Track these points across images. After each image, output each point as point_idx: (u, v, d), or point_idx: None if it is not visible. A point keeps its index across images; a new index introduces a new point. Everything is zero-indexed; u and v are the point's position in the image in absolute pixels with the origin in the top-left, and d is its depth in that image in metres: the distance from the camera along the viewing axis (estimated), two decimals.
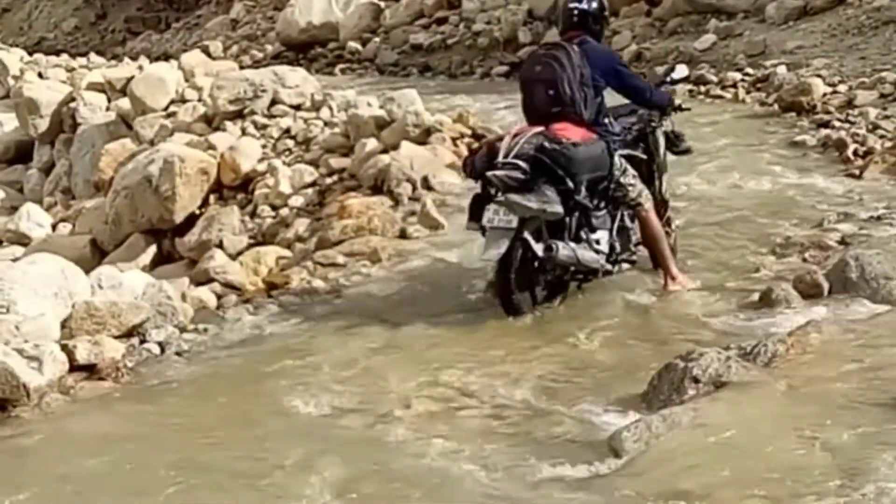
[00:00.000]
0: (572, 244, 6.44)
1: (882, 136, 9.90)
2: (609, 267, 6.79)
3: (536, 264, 6.43)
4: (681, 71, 7.67)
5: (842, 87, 11.97)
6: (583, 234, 6.57)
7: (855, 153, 9.67)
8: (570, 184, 6.31)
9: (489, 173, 6.36)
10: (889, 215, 7.61)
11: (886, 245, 6.78)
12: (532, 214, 6.28)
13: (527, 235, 6.30)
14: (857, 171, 9.19)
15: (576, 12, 6.81)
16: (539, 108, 6.64)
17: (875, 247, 6.67)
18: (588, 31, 6.78)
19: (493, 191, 6.44)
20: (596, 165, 6.53)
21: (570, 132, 6.44)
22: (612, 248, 6.78)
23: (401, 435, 5.00)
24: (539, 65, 6.69)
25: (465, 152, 10.46)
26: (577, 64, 6.55)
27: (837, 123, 10.74)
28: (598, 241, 6.64)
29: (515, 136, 6.47)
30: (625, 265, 6.98)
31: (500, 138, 6.60)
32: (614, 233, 6.80)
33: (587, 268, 6.62)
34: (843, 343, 5.09)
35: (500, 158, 6.37)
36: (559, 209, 6.31)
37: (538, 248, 6.30)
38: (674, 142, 7.25)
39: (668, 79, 7.50)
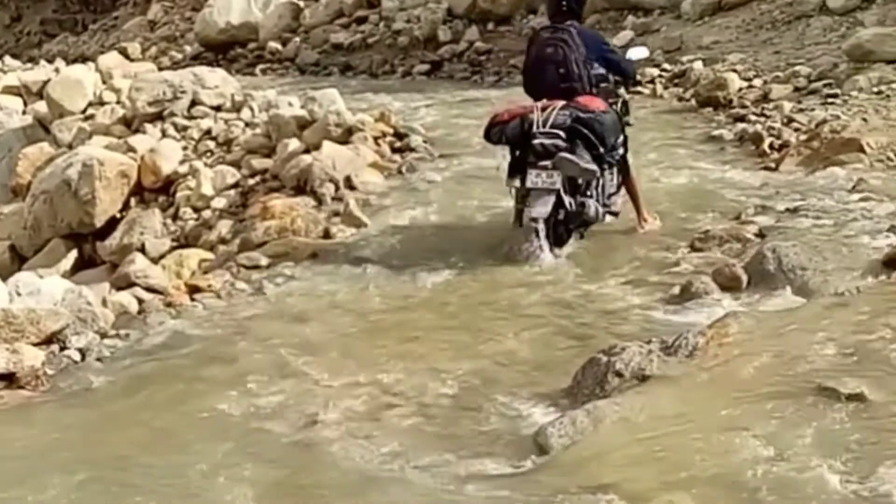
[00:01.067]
0: (593, 200, 7.50)
1: (797, 129, 10.07)
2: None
3: (562, 217, 7.37)
4: (639, 52, 8.70)
5: (757, 82, 12.17)
6: (589, 192, 7.51)
7: (771, 146, 9.83)
8: (601, 148, 7.34)
9: (535, 141, 7.30)
10: (805, 207, 7.73)
11: (803, 237, 6.90)
12: (578, 174, 7.26)
13: (562, 193, 7.29)
14: (773, 164, 9.35)
15: (564, 2, 7.77)
16: (550, 85, 7.58)
17: (792, 238, 6.79)
18: (574, 16, 7.82)
19: (515, 153, 7.50)
20: (617, 131, 7.63)
21: (596, 103, 7.47)
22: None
23: (327, 437, 4.97)
24: (549, 47, 7.64)
25: (387, 151, 10.55)
26: (578, 44, 7.58)
27: (753, 117, 10.92)
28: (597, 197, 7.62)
29: (543, 109, 7.41)
30: (609, 217, 7.83)
31: (528, 110, 7.48)
32: (601, 187, 7.71)
33: (597, 219, 7.64)
34: (762, 334, 5.16)
35: (538, 128, 7.32)
36: (596, 168, 7.32)
37: (569, 204, 7.34)
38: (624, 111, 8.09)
39: (626, 58, 8.42)
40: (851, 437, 4.06)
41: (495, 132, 7.60)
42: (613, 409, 4.63)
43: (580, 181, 7.42)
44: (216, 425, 5.24)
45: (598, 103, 7.47)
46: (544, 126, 7.32)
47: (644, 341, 5.25)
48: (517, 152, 7.51)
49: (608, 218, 7.78)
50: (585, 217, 7.51)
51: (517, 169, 7.50)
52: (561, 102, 7.43)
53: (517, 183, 7.48)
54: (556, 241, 7.38)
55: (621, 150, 7.73)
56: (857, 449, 3.97)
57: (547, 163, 7.26)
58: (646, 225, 7.83)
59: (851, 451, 3.96)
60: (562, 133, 7.28)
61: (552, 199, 7.25)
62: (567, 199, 7.33)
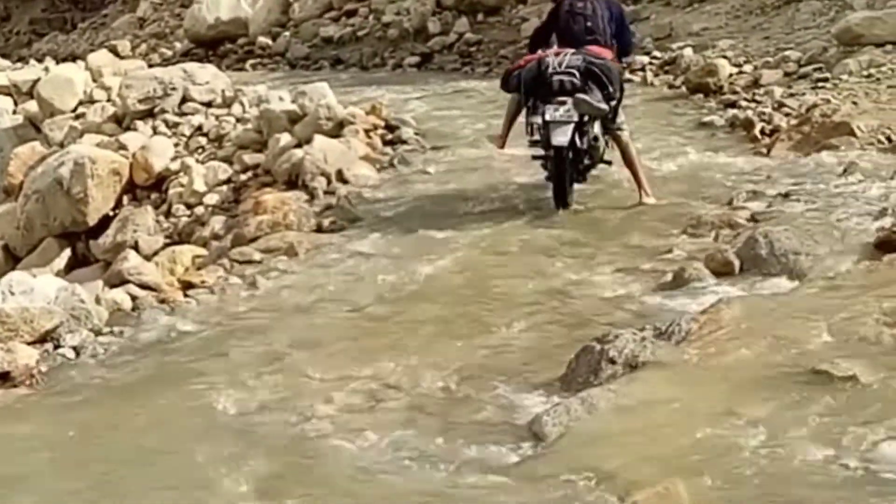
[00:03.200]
0: (600, 134, 8.22)
1: (787, 114, 10.09)
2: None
3: (571, 156, 8.03)
4: None
5: (747, 67, 12.18)
6: (595, 131, 8.13)
7: (762, 132, 9.86)
8: (611, 89, 7.99)
9: (554, 78, 7.90)
10: (796, 191, 7.75)
11: (794, 221, 6.91)
12: (591, 111, 7.90)
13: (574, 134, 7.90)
14: (764, 150, 9.37)
15: None
16: (577, 35, 8.32)
17: (783, 223, 6.80)
18: None
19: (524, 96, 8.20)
20: (619, 81, 8.25)
21: (604, 53, 8.21)
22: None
23: (323, 430, 4.97)
24: (581, 2, 8.42)
25: (379, 144, 10.54)
26: (605, 8, 8.42)
27: (744, 103, 10.93)
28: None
29: (556, 54, 8.08)
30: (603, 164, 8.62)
31: (543, 55, 8.14)
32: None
33: (602, 155, 8.44)
34: (754, 319, 5.17)
35: (554, 69, 7.95)
36: (606, 107, 7.98)
37: (581, 142, 7.98)
38: None
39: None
40: (845, 419, 4.08)
41: (513, 77, 8.27)
42: (608, 396, 4.64)
43: (585, 123, 7.95)
44: (212, 420, 5.24)
45: (606, 53, 8.20)
46: (559, 67, 7.93)
47: (637, 328, 5.26)
48: (531, 99, 8.11)
49: (600, 166, 8.56)
50: (594, 153, 8.22)
51: (534, 110, 8.07)
52: (571, 50, 8.09)
53: (538, 119, 7.97)
54: (570, 181, 8.11)
55: (618, 97, 8.22)
56: (851, 431, 3.98)
57: (564, 98, 7.82)
58: (646, 198, 8.16)
59: (845, 433, 3.97)
60: (576, 73, 7.88)
61: (570, 128, 7.83)
62: (577, 140, 7.92)
